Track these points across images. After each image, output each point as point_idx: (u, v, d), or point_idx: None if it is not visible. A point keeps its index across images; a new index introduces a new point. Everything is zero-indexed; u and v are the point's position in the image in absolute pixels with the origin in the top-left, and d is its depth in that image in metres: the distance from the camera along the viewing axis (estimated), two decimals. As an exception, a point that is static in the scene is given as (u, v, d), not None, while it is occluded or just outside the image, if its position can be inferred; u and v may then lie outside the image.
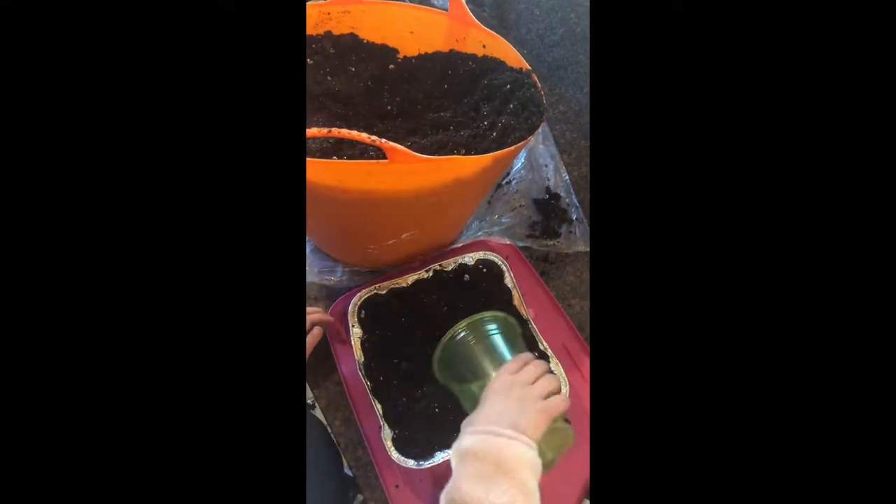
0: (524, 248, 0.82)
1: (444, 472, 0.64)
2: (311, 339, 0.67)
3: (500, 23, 1.11)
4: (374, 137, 0.45)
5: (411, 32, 0.75)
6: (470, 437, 0.45)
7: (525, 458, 0.43)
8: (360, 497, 1.03)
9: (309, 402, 0.92)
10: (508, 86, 0.67)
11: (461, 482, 0.42)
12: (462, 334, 0.62)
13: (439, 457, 0.63)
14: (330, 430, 0.69)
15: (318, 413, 0.71)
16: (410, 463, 0.63)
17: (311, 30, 0.74)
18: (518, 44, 0.69)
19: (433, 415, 0.66)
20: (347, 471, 1.04)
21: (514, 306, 0.75)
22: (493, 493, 0.40)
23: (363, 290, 0.75)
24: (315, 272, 0.78)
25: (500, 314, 0.65)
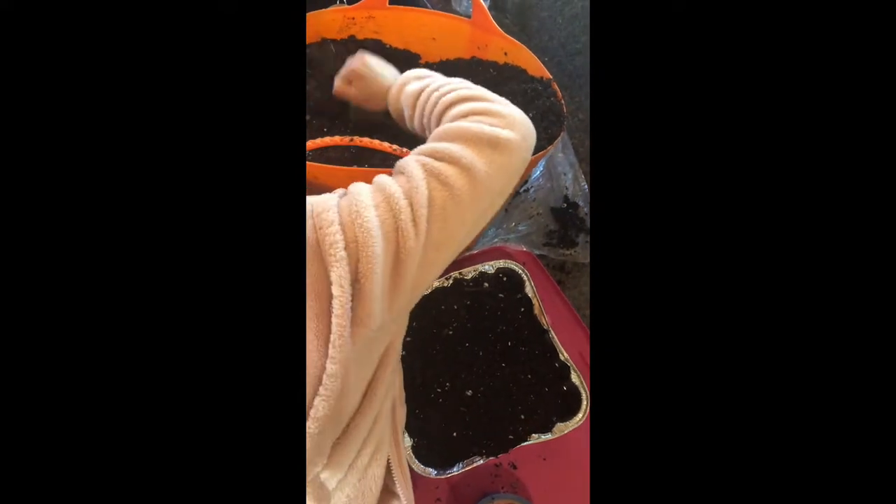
0: (540, 257, 0.82)
1: (459, 481, 0.64)
2: None
3: (522, 30, 1.10)
4: (395, 146, 0.46)
5: (434, 39, 0.76)
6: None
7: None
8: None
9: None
10: (529, 94, 0.67)
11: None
12: None
13: (458, 467, 0.63)
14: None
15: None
16: (430, 472, 0.63)
17: (335, 34, 0.74)
18: (540, 51, 0.69)
19: (452, 423, 0.66)
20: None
21: (534, 316, 0.75)
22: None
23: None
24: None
25: None
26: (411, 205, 0.37)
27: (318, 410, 0.34)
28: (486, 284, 0.78)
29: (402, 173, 0.39)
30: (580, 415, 0.67)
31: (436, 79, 0.49)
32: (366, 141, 0.46)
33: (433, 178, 0.38)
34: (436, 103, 0.47)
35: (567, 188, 0.88)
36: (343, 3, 0.74)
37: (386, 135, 0.73)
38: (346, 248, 0.35)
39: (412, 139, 0.75)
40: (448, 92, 0.46)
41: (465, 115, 0.43)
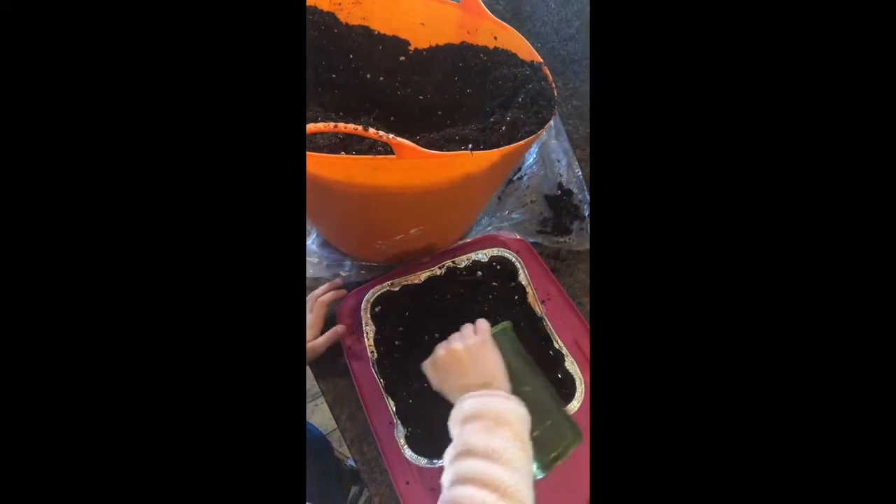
0: (534, 245, 0.81)
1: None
2: (333, 335, 0.69)
3: (514, 15, 1.09)
4: (380, 133, 0.45)
5: (422, 24, 0.74)
6: (468, 401, 0.51)
7: (518, 412, 0.49)
8: (366, 492, 1.03)
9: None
10: (519, 78, 0.65)
11: (468, 436, 0.47)
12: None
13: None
14: (336, 424, 0.68)
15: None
16: (423, 461, 0.62)
17: (321, 21, 0.73)
18: (532, 37, 0.68)
19: (447, 412, 0.65)
20: (351, 463, 1.04)
21: (528, 304, 0.75)
22: (496, 440, 0.46)
23: (376, 287, 0.74)
24: (324, 266, 0.78)
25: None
26: None
27: None
28: (480, 273, 0.77)
29: None
30: (574, 402, 0.67)
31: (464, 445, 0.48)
32: (350, 128, 0.45)
33: None
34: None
35: (561, 175, 0.87)
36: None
37: (373, 116, 0.72)
38: None
39: (399, 124, 0.74)
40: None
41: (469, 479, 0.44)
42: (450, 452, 0.48)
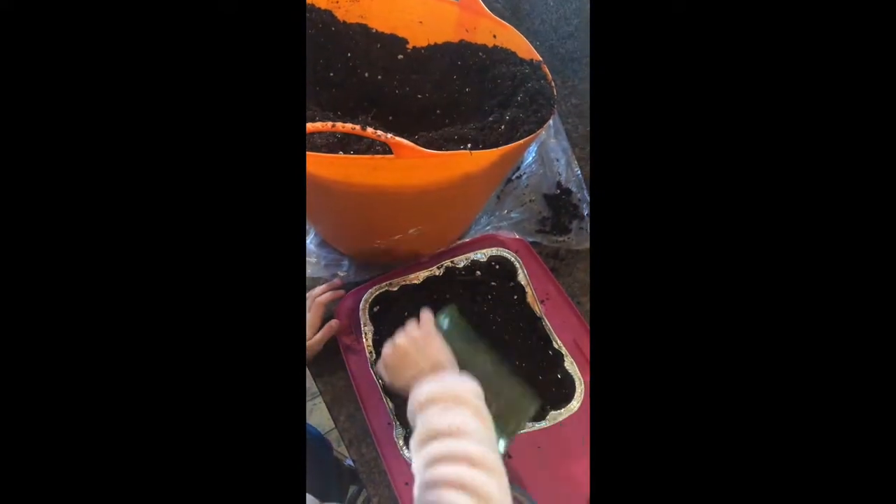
0: (533, 244, 0.81)
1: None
2: (328, 331, 0.68)
3: (512, 13, 1.09)
4: (379, 132, 0.44)
5: (420, 22, 0.74)
6: (423, 387, 0.51)
7: (473, 389, 0.51)
8: (363, 493, 1.03)
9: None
10: (518, 77, 0.65)
11: (429, 420, 0.48)
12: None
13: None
14: (335, 425, 0.68)
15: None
16: (419, 461, 0.62)
17: (318, 19, 0.73)
18: (531, 35, 0.68)
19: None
20: (350, 463, 1.04)
21: (527, 303, 0.74)
22: (458, 418, 0.47)
23: (374, 287, 0.74)
24: (322, 265, 0.78)
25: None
26: None
27: None
28: (479, 273, 0.77)
29: None
30: (574, 402, 0.67)
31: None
32: (348, 127, 0.45)
33: None
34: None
35: (560, 174, 0.87)
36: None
37: (371, 116, 0.72)
38: None
39: (397, 123, 0.74)
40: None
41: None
42: (415, 440, 0.49)
